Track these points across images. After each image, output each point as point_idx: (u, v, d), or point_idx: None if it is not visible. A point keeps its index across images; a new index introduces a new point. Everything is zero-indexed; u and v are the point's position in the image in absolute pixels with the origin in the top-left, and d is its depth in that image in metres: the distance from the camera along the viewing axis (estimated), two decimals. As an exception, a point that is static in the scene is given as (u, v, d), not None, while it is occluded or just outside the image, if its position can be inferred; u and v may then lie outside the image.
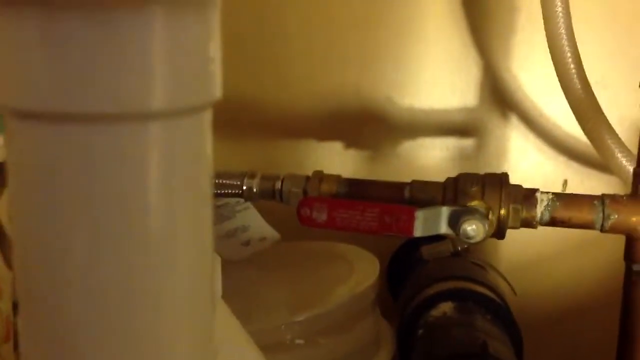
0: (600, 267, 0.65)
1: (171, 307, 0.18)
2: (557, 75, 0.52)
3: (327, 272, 0.53)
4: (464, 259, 0.58)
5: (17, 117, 0.16)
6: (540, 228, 0.47)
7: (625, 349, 0.46)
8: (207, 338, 0.20)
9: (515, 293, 0.58)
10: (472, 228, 0.43)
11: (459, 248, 0.59)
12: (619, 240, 0.60)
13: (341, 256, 0.55)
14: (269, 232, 0.56)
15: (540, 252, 0.66)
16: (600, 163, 0.65)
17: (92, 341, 0.17)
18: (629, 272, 0.45)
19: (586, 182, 0.66)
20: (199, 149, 0.17)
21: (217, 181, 0.46)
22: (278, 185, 0.47)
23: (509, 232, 0.45)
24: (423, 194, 0.46)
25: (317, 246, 0.57)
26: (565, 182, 0.65)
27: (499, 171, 0.47)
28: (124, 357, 0.17)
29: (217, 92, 0.17)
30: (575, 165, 0.66)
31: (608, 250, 0.65)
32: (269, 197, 0.48)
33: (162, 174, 0.16)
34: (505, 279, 0.59)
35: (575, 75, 0.52)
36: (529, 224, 0.45)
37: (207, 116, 0.17)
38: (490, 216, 0.43)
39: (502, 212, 0.44)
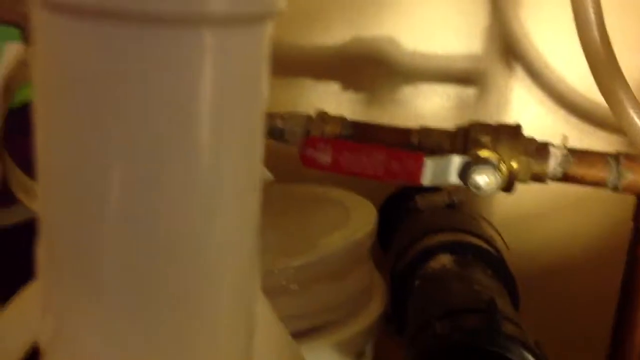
0: (595, 225, 0.64)
1: (214, 256, 0.15)
2: (576, 24, 0.49)
3: (323, 217, 0.51)
4: (460, 211, 0.56)
5: (65, 14, 0.13)
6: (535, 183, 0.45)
7: (626, 309, 0.45)
8: (251, 295, 0.18)
9: (507, 247, 0.57)
10: (484, 179, 0.41)
11: (455, 200, 0.57)
12: (616, 200, 0.58)
13: (337, 201, 0.53)
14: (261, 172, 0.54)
15: (533, 207, 0.65)
16: (601, 121, 0.64)
17: (120, 281, 0.14)
18: (637, 233, 0.44)
19: (585, 140, 0.65)
20: (257, 65, 0.15)
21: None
22: (279, 123, 0.45)
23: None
24: (431, 140, 0.44)
25: (311, 190, 0.55)
26: (565, 138, 0.63)
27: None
28: (155, 307, 0.15)
29: (281, 2, 0.15)
30: (574, 121, 0.64)
31: (604, 208, 0.64)
32: (267, 135, 0.46)
33: (215, 87, 0.14)
34: (498, 233, 0.57)
35: (594, 25, 0.49)
36: (539, 178, 0.44)
37: (268, 31, 0.15)
38: (501, 168, 0.42)
39: (514, 164, 0.42)
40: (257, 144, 0.17)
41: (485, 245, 0.49)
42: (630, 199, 0.48)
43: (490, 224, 0.57)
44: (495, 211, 0.64)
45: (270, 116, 0.45)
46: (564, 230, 0.65)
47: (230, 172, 0.16)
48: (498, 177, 0.41)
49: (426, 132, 0.45)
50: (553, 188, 0.50)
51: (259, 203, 0.18)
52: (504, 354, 0.36)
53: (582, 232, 0.64)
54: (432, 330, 0.38)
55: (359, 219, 0.50)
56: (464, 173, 0.41)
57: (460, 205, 0.58)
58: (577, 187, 0.47)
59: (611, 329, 0.46)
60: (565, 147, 0.44)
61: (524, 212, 0.65)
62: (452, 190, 0.57)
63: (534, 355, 0.36)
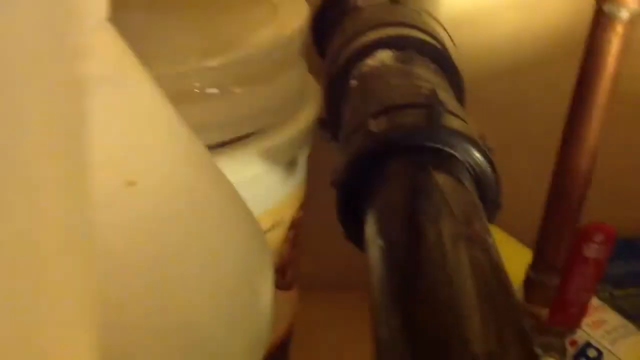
0: (546, 21, 0.60)
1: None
2: None
3: (246, 13, 0.45)
4: (403, 6, 0.51)
5: None
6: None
7: (581, 94, 0.41)
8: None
9: (454, 44, 0.52)
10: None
11: (397, -7, 0.51)
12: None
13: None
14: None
15: (481, 3, 0.60)
16: None
17: None
18: (598, 15, 0.39)
19: None
20: None
21: None
22: None
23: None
24: None
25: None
26: None
27: None
28: None
29: None
30: None
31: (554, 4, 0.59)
32: None
33: None
34: (444, 29, 0.52)
35: None
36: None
37: None
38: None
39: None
40: None
41: (429, 39, 0.44)
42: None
43: (434, 18, 0.52)
44: (441, 7, 0.58)
45: None
46: (511, 27, 0.60)
47: None
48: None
49: None
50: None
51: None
52: (445, 148, 0.33)
53: (531, 30, 0.60)
54: (366, 129, 0.34)
55: (288, 14, 0.44)
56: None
57: (404, 1, 0.52)
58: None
59: (562, 131, 0.43)
60: None
61: (470, 8, 0.59)
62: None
63: (478, 149, 0.33)
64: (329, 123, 0.45)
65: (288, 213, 0.46)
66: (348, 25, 0.49)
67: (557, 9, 0.60)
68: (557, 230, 0.44)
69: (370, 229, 0.31)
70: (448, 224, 0.29)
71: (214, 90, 0.38)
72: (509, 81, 0.61)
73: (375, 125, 0.33)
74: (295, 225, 0.48)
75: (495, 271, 0.27)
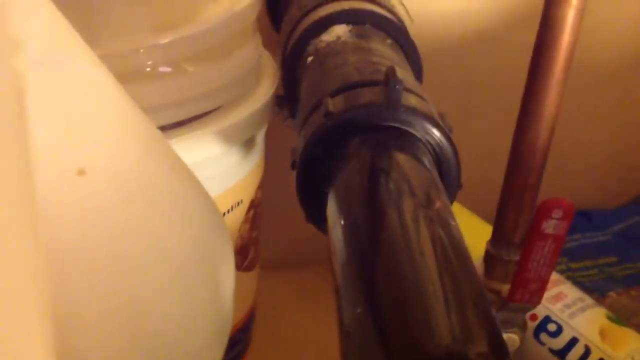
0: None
1: None
2: None
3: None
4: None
5: None
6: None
7: (538, 67, 0.41)
8: None
9: (412, 20, 0.51)
10: None
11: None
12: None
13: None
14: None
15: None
16: None
17: None
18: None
19: None
20: None
21: None
22: None
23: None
24: None
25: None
26: None
27: None
28: None
29: None
30: None
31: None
32: None
33: None
34: (401, 3, 0.51)
35: None
36: None
37: None
38: None
39: None
40: None
41: (385, 13, 0.43)
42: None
43: (392, -7, 0.51)
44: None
45: None
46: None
47: None
48: None
49: None
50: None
51: None
52: (405, 127, 0.32)
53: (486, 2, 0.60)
54: (324, 109, 0.33)
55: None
56: None
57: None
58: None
59: (520, 105, 0.43)
60: None
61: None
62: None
63: (438, 128, 0.32)
64: (286, 100, 0.44)
65: (247, 193, 0.45)
66: (303, 1, 0.48)
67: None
68: (516, 205, 0.44)
69: (331, 211, 0.30)
70: (409, 204, 0.28)
71: (166, 69, 0.37)
72: (464, 56, 0.60)
73: (333, 105, 0.33)
74: (255, 205, 0.47)
75: (457, 251, 0.26)
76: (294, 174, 0.33)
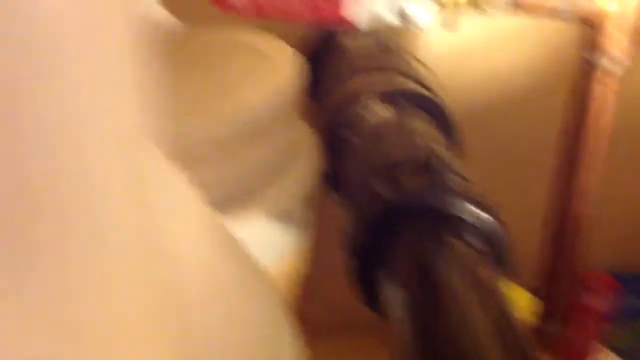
0: (529, 60, 0.60)
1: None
2: None
3: (239, 67, 0.44)
4: (391, 52, 0.51)
5: None
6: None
7: (571, 143, 0.42)
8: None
9: (441, 88, 0.52)
10: (426, 15, 0.36)
11: (384, 39, 0.51)
12: (549, 32, 0.54)
13: (254, 48, 0.46)
14: (162, 14, 0.47)
15: (463, 43, 0.60)
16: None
17: None
18: (585, 64, 0.40)
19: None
20: None
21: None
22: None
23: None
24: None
25: (223, 35, 0.48)
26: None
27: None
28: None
29: None
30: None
31: (537, 42, 0.60)
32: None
33: None
34: (432, 73, 0.52)
35: None
36: (484, 10, 0.39)
37: None
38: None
39: (458, -4, 0.37)
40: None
41: (423, 91, 0.44)
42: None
43: (423, 63, 0.52)
44: (422, 47, 0.59)
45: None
46: (500, 65, 0.61)
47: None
48: (441, 12, 0.35)
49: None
50: (483, 21, 0.45)
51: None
52: (452, 212, 0.33)
53: (520, 67, 0.61)
54: (373, 192, 0.34)
55: (282, 67, 0.44)
56: (400, 8, 0.35)
57: (390, 44, 0.53)
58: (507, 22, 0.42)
59: (555, 178, 0.44)
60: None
61: (453, 49, 0.60)
62: (382, 29, 0.51)
63: (488, 211, 0.33)
64: (328, 173, 0.45)
65: (290, 266, 0.46)
66: (338, 71, 0.50)
67: (539, 52, 0.61)
68: (556, 279, 0.45)
69: (391, 299, 0.31)
70: (464, 289, 0.29)
71: (212, 152, 0.38)
72: (498, 119, 0.61)
73: (382, 188, 0.34)
74: (298, 277, 0.47)
75: (512, 332, 0.28)
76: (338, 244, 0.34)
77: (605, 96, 0.40)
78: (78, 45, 0.13)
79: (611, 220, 0.62)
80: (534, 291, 0.47)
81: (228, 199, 0.40)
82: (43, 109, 0.12)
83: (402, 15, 0.34)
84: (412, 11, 0.34)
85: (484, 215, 0.33)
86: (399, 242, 0.32)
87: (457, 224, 0.33)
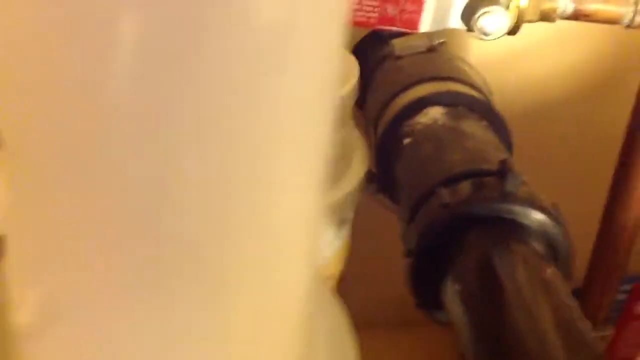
0: (578, 62, 0.60)
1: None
2: None
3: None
4: (443, 56, 0.51)
5: None
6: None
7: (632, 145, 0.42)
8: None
9: (491, 92, 0.52)
10: (492, 22, 0.35)
11: (436, 42, 0.51)
12: (603, 34, 0.54)
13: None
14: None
15: (512, 46, 0.60)
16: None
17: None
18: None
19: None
20: None
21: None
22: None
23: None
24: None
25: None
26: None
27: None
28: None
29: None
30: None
31: (588, 45, 0.60)
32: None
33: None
34: (483, 79, 0.52)
35: None
36: (548, 17, 0.38)
37: None
38: (510, 7, 0.36)
39: (522, 2, 0.37)
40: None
41: (477, 95, 0.44)
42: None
43: (472, 66, 0.52)
44: (470, 51, 0.59)
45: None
46: (543, 69, 0.60)
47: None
48: (507, 18, 0.35)
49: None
50: (532, 25, 0.45)
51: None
52: (520, 220, 0.33)
53: (561, 72, 0.60)
54: (438, 199, 0.34)
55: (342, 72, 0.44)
56: (469, 15, 0.35)
57: (440, 47, 0.52)
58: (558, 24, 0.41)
59: (613, 173, 0.44)
60: (578, -21, 0.38)
61: (502, 52, 0.60)
62: (431, 32, 0.51)
63: (551, 217, 0.33)
64: (379, 178, 0.45)
65: (335, 269, 0.46)
66: (390, 77, 0.49)
67: (582, 50, 0.60)
68: (602, 285, 0.45)
69: (453, 303, 0.31)
70: (532, 301, 0.29)
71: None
72: (544, 121, 0.61)
73: (449, 196, 0.33)
74: (338, 279, 0.47)
75: (579, 333, 0.28)
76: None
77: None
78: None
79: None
80: (575, 293, 0.47)
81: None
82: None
83: (475, 24, 0.34)
84: (486, 21, 0.34)
85: (549, 222, 0.33)
86: (466, 247, 0.32)
87: (523, 231, 0.32)
